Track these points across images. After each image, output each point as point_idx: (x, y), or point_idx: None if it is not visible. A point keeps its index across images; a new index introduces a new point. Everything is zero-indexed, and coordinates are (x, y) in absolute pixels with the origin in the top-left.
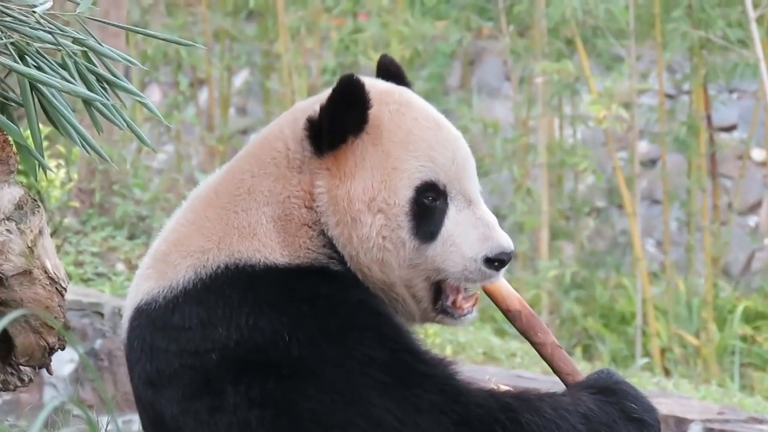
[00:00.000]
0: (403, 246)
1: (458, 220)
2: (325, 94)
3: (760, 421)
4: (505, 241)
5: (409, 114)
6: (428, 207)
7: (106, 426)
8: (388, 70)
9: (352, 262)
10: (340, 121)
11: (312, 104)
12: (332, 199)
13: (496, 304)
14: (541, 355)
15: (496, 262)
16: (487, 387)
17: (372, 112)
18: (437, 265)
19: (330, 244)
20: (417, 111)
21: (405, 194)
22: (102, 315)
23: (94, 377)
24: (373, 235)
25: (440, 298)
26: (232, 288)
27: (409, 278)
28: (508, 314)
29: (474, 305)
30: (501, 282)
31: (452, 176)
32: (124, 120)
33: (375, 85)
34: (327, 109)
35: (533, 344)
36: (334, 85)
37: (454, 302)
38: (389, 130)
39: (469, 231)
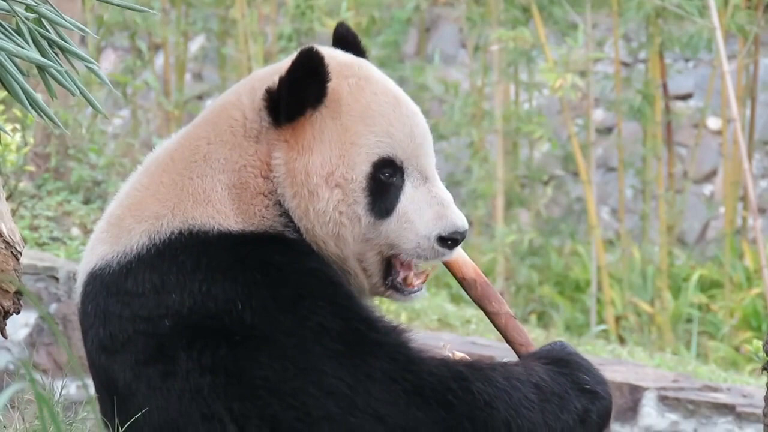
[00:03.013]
0: (359, 221)
1: (414, 197)
2: (284, 63)
3: (715, 389)
4: (459, 220)
5: (368, 88)
6: (385, 183)
7: (61, 390)
8: (345, 39)
9: (308, 234)
10: (299, 93)
11: (271, 74)
12: (290, 171)
13: (452, 272)
14: (495, 325)
15: (449, 240)
16: (440, 355)
17: (331, 85)
18: (390, 240)
19: (286, 213)
20: (376, 85)
21: (362, 170)
22: (57, 279)
23: (59, 338)
24: (330, 210)
25: (391, 274)
26: (186, 254)
27: (362, 252)
28: (464, 282)
29: (424, 282)
30: (457, 250)
31: (410, 152)
32: (77, 86)
33: (334, 57)
34: (286, 81)
35: (487, 313)
36: (294, 56)
37: (405, 279)
38: (348, 104)
39: (424, 208)
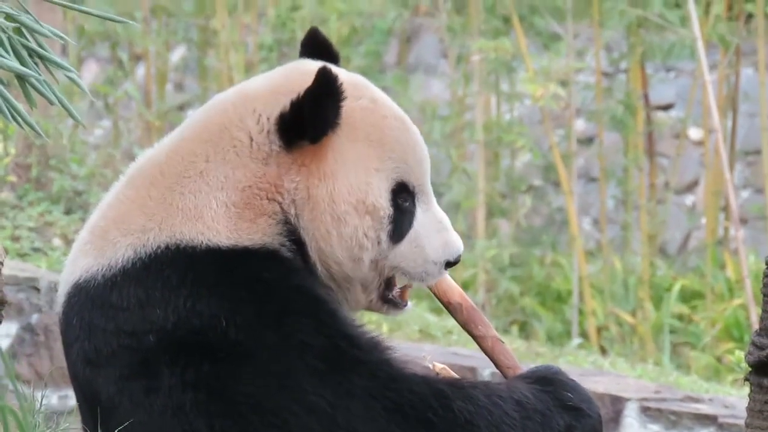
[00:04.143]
0: (379, 245)
1: (423, 222)
2: (279, 80)
3: (696, 400)
4: (459, 243)
5: (378, 111)
6: (403, 209)
7: (41, 401)
8: (319, 45)
9: (321, 254)
10: (322, 114)
11: (269, 94)
12: (312, 197)
13: (437, 297)
14: (482, 348)
15: (452, 263)
16: (422, 372)
17: (344, 107)
18: (397, 263)
19: (286, 232)
20: (384, 107)
21: (387, 196)
22: (38, 290)
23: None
24: (360, 235)
25: (387, 290)
26: (172, 269)
27: (368, 274)
28: (449, 307)
29: (408, 296)
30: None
31: (419, 176)
32: (56, 95)
33: (344, 78)
34: (310, 103)
35: (474, 337)
36: (315, 79)
37: (401, 293)
38: (365, 129)
39: (432, 235)
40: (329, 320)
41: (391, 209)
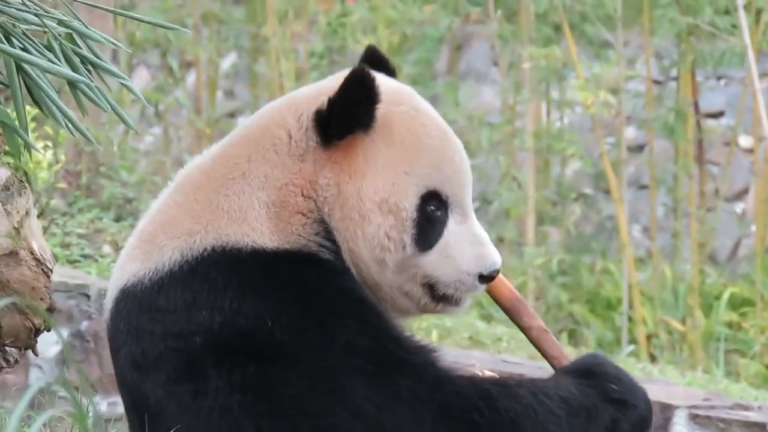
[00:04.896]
0: (403, 250)
1: (456, 233)
2: (326, 84)
3: (746, 408)
4: (497, 257)
5: (419, 119)
6: (431, 216)
7: (87, 408)
8: (376, 60)
9: (352, 256)
10: (351, 111)
11: (314, 95)
12: (341, 194)
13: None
14: (529, 339)
15: (488, 277)
16: (468, 373)
17: (383, 111)
18: (429, 272)
19: (324, 233)
20: (426, 117)
21: (413, 201)
22: (88, 297)
23: (69, 359)
24: (381, 235)
25: (436, 290)
26: (218, 271)
27: (400, 283)
28: (497, 300)
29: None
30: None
31: (455, 188)
32: (108, 102)
33: (386, 84)
34: (338, 97)
35: (520, 328)
36: (347, 76)
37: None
38: (400, 133)
39: (465, 247)
40: (375, 322)
41: (415, 213)
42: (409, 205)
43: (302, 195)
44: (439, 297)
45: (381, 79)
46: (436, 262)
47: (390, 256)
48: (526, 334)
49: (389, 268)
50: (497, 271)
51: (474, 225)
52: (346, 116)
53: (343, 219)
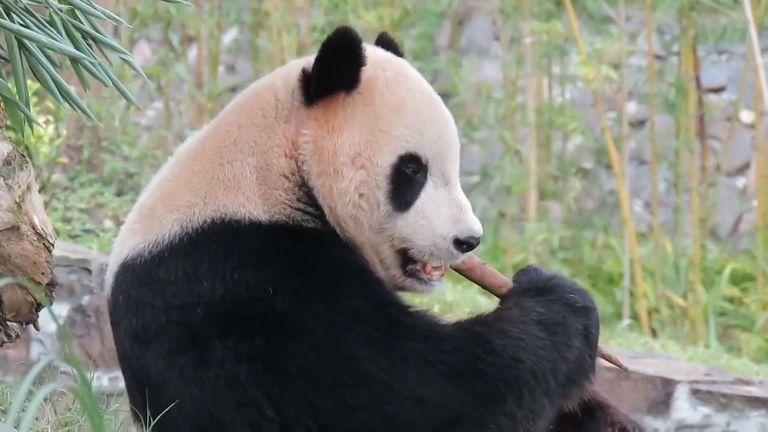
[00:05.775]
0: (377, 208)
1: (434, 196)
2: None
3: (747, 383)
4: (476, 225)
5: (405, 84)
6: (408, 177)
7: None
8: (385, 43)
9: (331, 215)
10: (332, 69)
11: (308, 60)
12: (318, 149)
13: None
14: (473, 279)
15: (465, 244)
16: (455, 323)
17: (367, 75)
18: (405, 235)
19: (306, 197)
20: (413, 82)
21: (388, 158)
22: (89, 271)
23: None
24: (351, 190)
25: (408, 264)
26: (218, 242)
27: (376, 244)
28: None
29: (442, 275)
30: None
31: (436, 153)
32: (110, 77)
33: (375, 51)
34: (319, 56)
35: (462, 273)
36: (330, 34)
37: (423, 267)
38: (382, 95)
39: (442, 209)
40: (376, 288)
41: (390, 170)
42: (383, 162)
43: (285, 155)
44: (409, 271)
45: (372, 47)
46: (412, 225)
47: (364, 214)
48: (469, 277)
49: (365, 227)
50: (475, 239)
51: (455, 191)
52: (328, 72)
53: (319, 175)
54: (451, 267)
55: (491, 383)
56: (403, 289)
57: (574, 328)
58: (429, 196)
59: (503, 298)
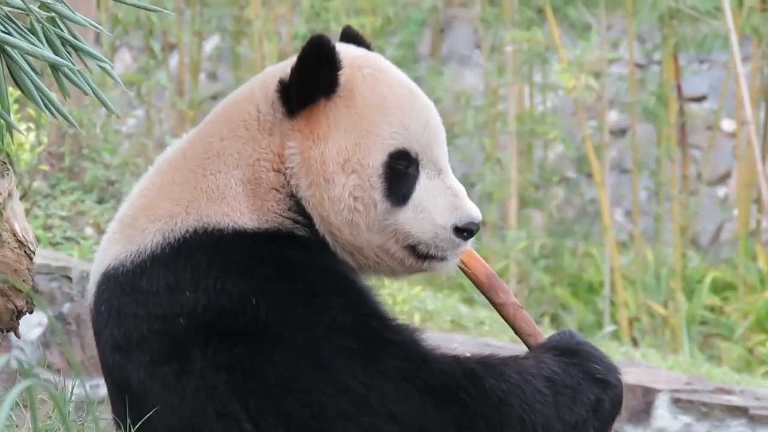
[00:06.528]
0: (375, 207)
1: (429, 187)
2: (296, 58)
3: (728, 392)
4: (473, 211)
5: (383, 80)
6: (401, 172)
7: (72, 390)
8: (353, 40)
9: (323, 224)
10: (310, 79)
11: (283, 68)
12: (305, 160)
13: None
14: (503, 316)
15: (465, 231)
16: (451, 353)
17: (345, 76)
18: (407, 229)
19: (296, 207)
20: (391, 77)
21: (378, 158)
22: (70, 279)
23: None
24: (345, 196)
25: (418, 250)
26: (201, 252)
27: (381, 242)
28: (471, 277)
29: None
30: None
31: (424, 144)
32: (90, 85)
33: (348, 50)
34: (296, 67)
35: (494, 305)
36: (305, 44)
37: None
38: (362, 94)
39: (438, 199)
40: (359, 299)
41: (382, 169)
42: (374, 162)
43: (273, 170)
44: (423, 255)
45: (344, 47)
46: (412, 219)
47: (360, 216)
48: (500, 311)
49: (363, 229)
50: (474, 225)
51: (448, 179)
52: (306, 83)
53: (309, 186)
54: (485, 296)
55: (471, 415)
56: (424, 272)
57: (585, 396)
58: (424, 188)
59: (528, 348)
